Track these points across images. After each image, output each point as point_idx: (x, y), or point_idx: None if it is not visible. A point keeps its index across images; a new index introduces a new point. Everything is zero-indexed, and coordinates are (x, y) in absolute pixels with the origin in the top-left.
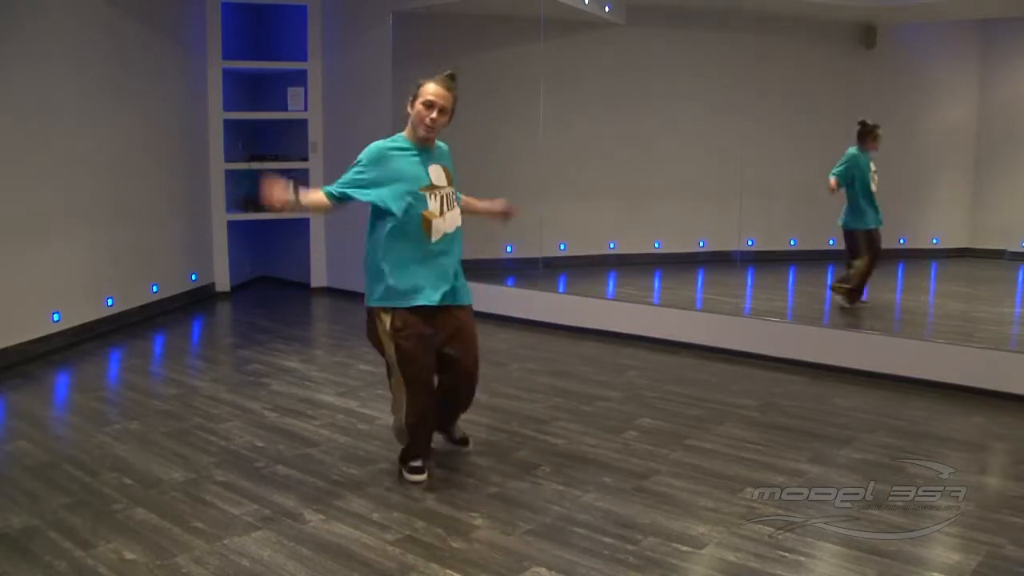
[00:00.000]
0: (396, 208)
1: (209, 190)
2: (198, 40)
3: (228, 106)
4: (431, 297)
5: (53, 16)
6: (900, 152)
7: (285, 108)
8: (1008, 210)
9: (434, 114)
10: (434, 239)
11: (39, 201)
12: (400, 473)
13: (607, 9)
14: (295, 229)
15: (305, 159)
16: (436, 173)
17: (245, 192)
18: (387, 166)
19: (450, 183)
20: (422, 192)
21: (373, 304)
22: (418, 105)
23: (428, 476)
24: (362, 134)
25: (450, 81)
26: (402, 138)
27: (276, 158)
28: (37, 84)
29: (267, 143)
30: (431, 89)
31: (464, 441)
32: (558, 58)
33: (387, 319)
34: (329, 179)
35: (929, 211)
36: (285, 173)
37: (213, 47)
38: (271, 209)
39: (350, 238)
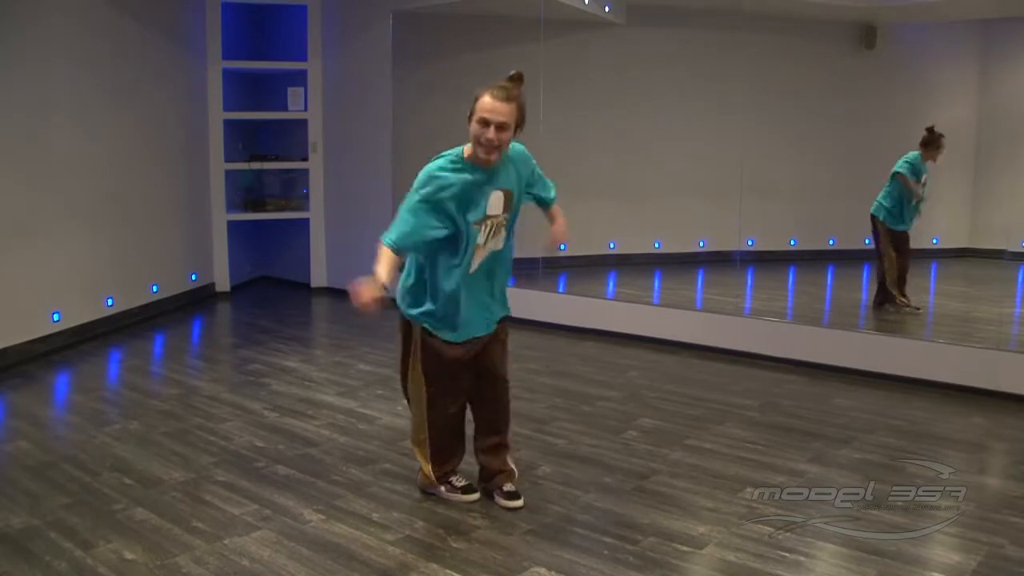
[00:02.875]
0: (450, 249)
1: (209, 190)
2: (198, 40)
3: (228, 106)
4: (455, 336)
5: (53, 16)
6: (900, 152)
7: (285, 108)
8: (1008, 210)
9: (491, 133)
10: (473, 269)
11: (39, 201)
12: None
13: (607, 9)
14: (295, 229)
15: (305, 159)
16: (495, 200)
17: (245, 192)
18: (440, 195)
19: (508, 207)
20: (475, 227)
21: (411, 315)
22: (473, 124)
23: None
24: (362, 134)
25: (509, 90)
26: (459, 155)
27: (276, 158)
28: (37, 84)
29: (267, 143)
30: (486, 104)
31: (510, 495)
32: (558, 58)
33: (418, 335)
34: (329, 179)
35: (929, 211)
36: (285, 173)
37: (213, 47)
38: (365, 309)
39: (350, 238)
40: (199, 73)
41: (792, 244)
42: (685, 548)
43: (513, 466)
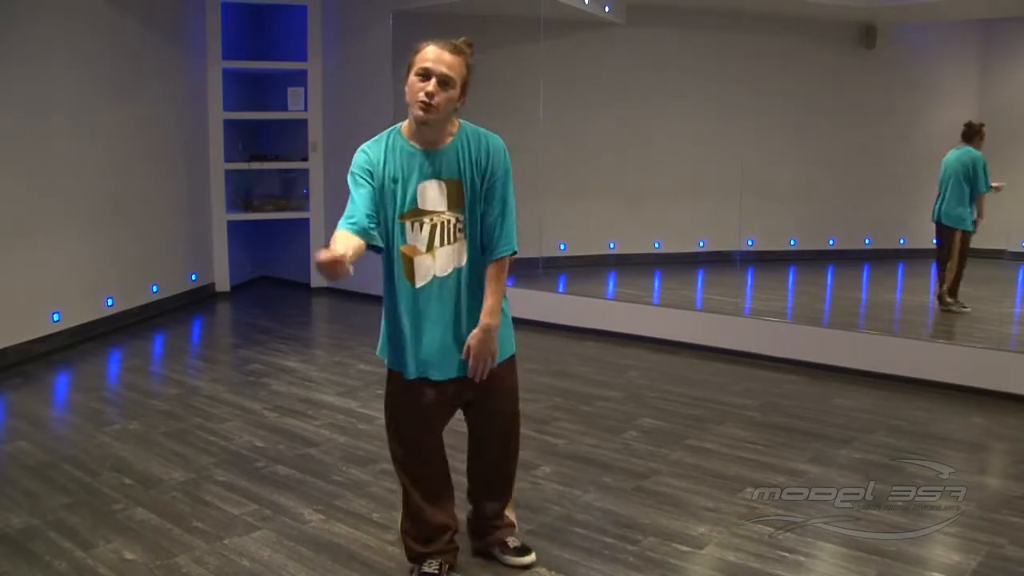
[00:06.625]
0: (379, 239)
1: (209, 190)
2: (198, 40)
3: (228, 106)
4: (409, 370)
5: (53, 16)
6: (900, 152)
7: (285, 108)
8: (1008, 210)
9: (430, 85)
10: (419, 283)
11: (39, 201)
12: None
13: (607, 9)
14: (295, 229)
15: (305, 159)
16: (430, 192)
17: (245, 192)
18: (376, 175)
19: (456, 204)
20: (401, 221)
21: (379, 354)
22: (411, 76)
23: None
24: (362, 134)
25: (458, 44)
26: (397, 132)
27: (276, 158)
28: (37, 84)
29: (267, 143)
30: (429, 52)
31: (519, 551)
32: (558, 58)
33: (386, 376)
34: (328, 179)
35: (929, 211)
36: (285, 173)
37: (213, 47)
38: (328, 270)
39: None
40: (199, 73)
41: (792, 244)
42: (685, 548)
43: (514, 518)
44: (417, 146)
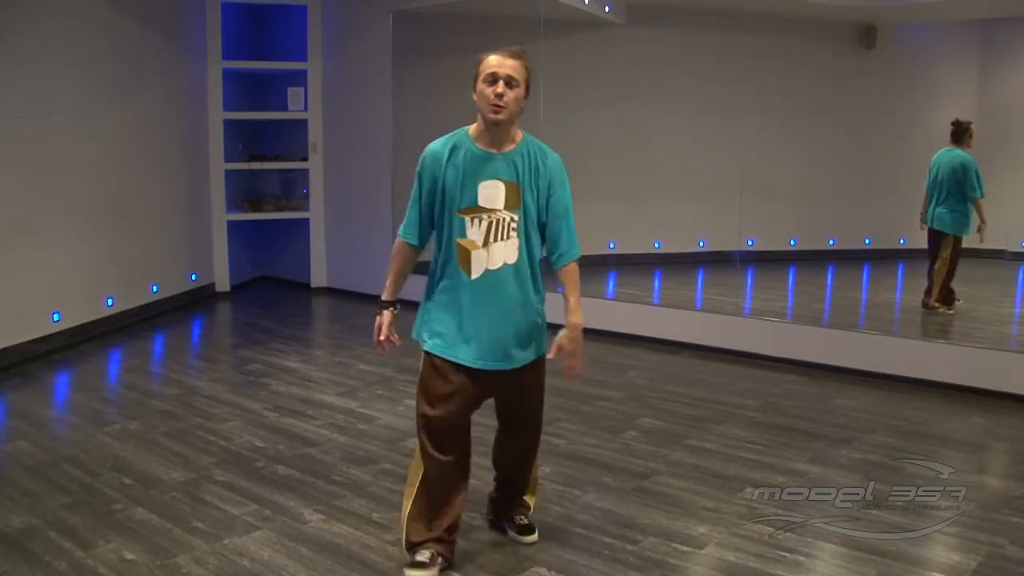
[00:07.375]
0: (437, 229)
1: (209, 190)
2: (198, 40)
3: (228, 106)
4: (462, 355)
5: (53, 16)
6: (900, 152)
7: (285, 108)
8: (1008, 210)
9: (500, 87)
10: (475, 275)
11: (39, 201)
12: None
13: (607, 9)
14: (295, 229)
15: (305, 159)
16: (489, 191)
17: (245, 192)
18: (437, 174)
19: (512, 204)
20: (460, 216)
21: (414, 337)
22: (480, 84)
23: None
24: (362, 134)
25: (516, 50)
26: (464, 133)
27: (276, 158)
28: (37, 84)
29: (267, 143)
30: (493, 60)
31: (523, 529)
32: (558, 58)
33: (423, 359)
34: (328, 179)
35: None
36: (285, 173)
37: (213, 47)
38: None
39: (350, 238)
40: (199, 73)
41: (792, 244)
42: (685, 548)
43: (531, 503)
44: (483, 148)
